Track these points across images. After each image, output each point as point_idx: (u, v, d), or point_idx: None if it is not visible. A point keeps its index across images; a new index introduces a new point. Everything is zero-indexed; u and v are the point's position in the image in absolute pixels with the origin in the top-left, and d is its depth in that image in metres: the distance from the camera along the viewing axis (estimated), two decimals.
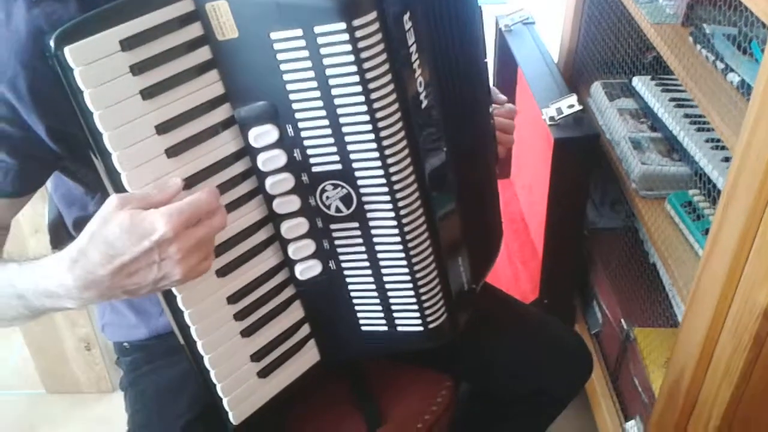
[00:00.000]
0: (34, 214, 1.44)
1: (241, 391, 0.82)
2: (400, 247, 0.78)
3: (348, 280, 0.82)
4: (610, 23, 1.44)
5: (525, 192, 1.78)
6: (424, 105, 0.76)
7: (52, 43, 0.61)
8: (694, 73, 1.05)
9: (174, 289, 0.72)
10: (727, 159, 1.10)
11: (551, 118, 1.33)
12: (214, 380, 0.80)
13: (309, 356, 0.87)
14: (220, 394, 0.81)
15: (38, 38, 0.70)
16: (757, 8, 0.77)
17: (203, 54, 0.69)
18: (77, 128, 0.66)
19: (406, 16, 0.71)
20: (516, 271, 1.70)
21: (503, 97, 1.01)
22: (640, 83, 1.37)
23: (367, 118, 0.70)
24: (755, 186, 0.78)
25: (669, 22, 1.18)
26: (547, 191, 1.38)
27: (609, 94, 1.44)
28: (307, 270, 0.81)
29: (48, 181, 0.84)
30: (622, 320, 1.37)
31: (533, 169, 1.57)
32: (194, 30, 0.68)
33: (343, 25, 0.65)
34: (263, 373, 0.83)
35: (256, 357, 0.82)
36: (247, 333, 0.80)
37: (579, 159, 1.34)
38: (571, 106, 1.32)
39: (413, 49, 0.72)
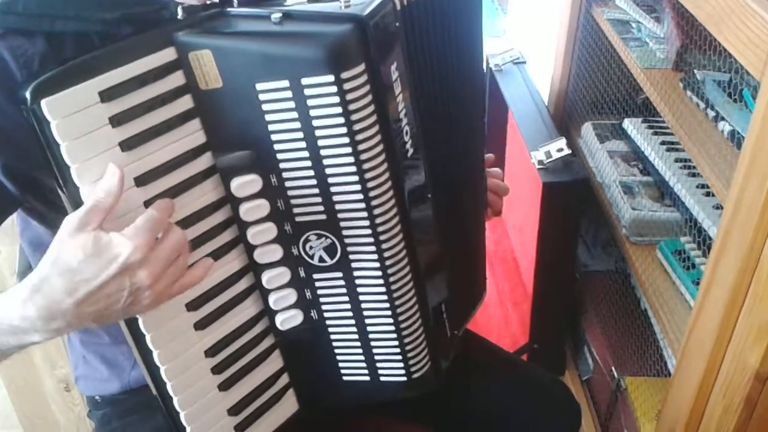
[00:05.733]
0: (12, 252, 1.41)
1: None
2: (385, 297, 0.77)
3: (330, 329, 0.80)
4: (601, 65, 1.44)
5: (516, 232, 1.77)
6: (410, 154, 0.75)
7: (28, 95, 0.59)
8: (683, 120, 1.03)
9: (150, 345, 0.70)
10: (719, 207, 1.09)
11: (540, 162, 1.32)
12: None
13: (287, 407, 0.85)
14: None
15: (2, 71, 0.68)
16: (745, 61, 0.76)
17: (185, 103, 0.68)
18: (41, 173, 0.63)
19: (393, 67, 0.70)
20: (506, 313, 1.68)
21: (490, 155, 0.99)
22: (631, 125, 1.36)
23: (354, 169, 0.69)
24: (746, 244, 0.76)
25: (660, 66, 1.18)
26: (536, 234, 1.37)
27: (599, 136, 1.43)
28: (289, 320, 0.79)
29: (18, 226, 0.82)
30: (613, 368, 1.35)
31: (523, 211, 1.56)
32: (176, 79, 0.67)
33: (331, 78, 0.64)
34: (240, 428, 0.80)
35: (234, 411, 0.79)
36: (224, 387, 0.78)
37: (568, 203, 1.33)
38: (560, 149, 1.31)
39: (399, 98, 0.72)
